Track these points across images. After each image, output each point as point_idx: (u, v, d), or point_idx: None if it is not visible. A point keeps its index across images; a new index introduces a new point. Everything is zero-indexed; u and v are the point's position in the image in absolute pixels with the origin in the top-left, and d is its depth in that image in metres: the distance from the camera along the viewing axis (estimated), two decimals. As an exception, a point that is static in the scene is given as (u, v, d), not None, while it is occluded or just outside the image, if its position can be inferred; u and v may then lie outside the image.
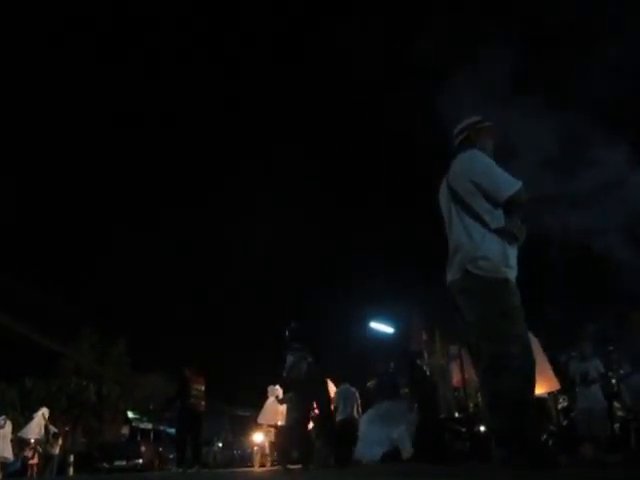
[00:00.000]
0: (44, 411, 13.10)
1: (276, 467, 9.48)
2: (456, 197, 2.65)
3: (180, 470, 8.46)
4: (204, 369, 9.17)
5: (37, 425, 12.72)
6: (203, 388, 8.94)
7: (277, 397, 9.27)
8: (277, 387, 9.51)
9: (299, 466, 6.13)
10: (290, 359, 5.97)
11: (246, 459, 33.57)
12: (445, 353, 10.67)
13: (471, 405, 8.62)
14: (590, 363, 7.25)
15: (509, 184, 2.57)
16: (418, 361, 7.82)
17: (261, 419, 10.38)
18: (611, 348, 8.02)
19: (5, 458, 11.46)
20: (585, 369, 7.15)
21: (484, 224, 2.56)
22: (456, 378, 9.52)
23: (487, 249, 2.52)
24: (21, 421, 15.38)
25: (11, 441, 11.65)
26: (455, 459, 5.66)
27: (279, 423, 9.43)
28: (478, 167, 2.65)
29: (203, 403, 8.83)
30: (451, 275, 2.67)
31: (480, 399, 7.38)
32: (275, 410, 9.48)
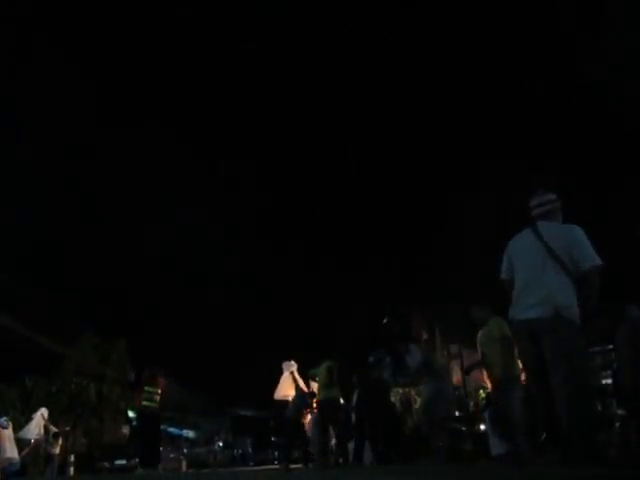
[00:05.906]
0: (43, 411, 13.09)
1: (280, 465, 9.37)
2: (554, 254, 3.25)
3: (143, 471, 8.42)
4: (163, 372, 9.06)
5: (36, 425, 12.72)
6: (159, 391, 8.83)
7: (292, 372, 9.14)
8: (292, 362, 9.35)
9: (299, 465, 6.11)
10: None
11: (247, 458, 33.63)
12: (445, 352, 10.67)
13: (471, 404, 8.61)
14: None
15: (593, 257, 3.21)
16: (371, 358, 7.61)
17: (277, 395, 10.19)
18: (610, 346, 7.80)
19: (11, 459, 11.46)
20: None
21: (573, 281, 3.22)
22: (456, 377, 9.51)
23: (574, 301, 3.20)
24: (22, 421, 15.37)
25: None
26: (458, 458, 5.65)
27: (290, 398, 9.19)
28: (580, 236, 3.29)
29: (156, 406, 8.75)
30: (540, 312, 3.21)
31: (480, 398, 7.37)
32: (290, 385, 9.26)
